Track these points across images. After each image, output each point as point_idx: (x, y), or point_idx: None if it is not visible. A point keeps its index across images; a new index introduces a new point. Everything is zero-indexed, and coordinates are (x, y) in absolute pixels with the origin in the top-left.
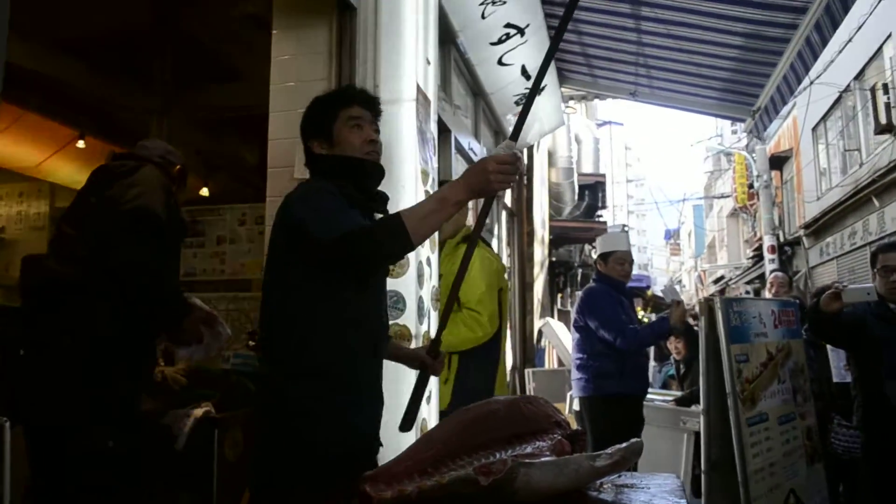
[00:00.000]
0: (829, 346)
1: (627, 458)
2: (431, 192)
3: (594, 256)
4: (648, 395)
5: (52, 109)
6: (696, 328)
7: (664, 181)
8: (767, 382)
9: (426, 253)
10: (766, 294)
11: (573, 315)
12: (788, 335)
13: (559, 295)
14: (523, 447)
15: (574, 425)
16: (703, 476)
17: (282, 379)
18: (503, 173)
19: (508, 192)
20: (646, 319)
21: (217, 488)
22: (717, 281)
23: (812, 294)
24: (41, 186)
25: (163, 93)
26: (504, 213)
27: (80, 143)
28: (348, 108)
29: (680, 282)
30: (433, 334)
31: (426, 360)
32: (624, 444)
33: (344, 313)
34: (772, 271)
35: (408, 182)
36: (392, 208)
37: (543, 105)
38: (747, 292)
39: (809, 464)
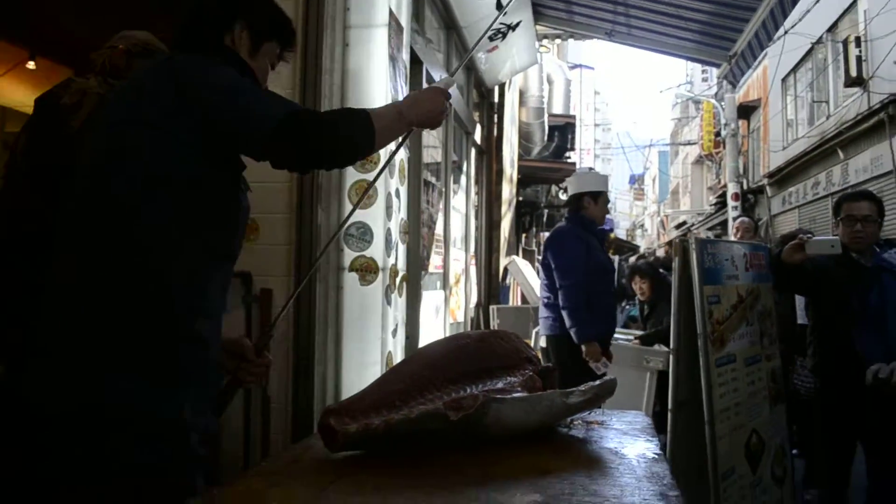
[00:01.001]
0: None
1: (601, 396)
2: None
3: (562, 197)
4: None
5: None
6: (662, 272)
7: (631, 128)
8: (737, 324)
9: (395, 184)
10: (731, 239)
11: (538, 255)
12: (758, 279)
13: (524, 235)
14: (494, 382)
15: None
16: (669, 414)
17: None
18: (444, 111)
19: (479, 130)
20: None
21: None
22: (678, 226)
23: (776, 242)
24: None
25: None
26: (473, 151)
27: (31, 65)
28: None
29: (643, 226)
30: (400, 268)
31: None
32: (597, 382)
33: None
34: (737, 217)
35: (379, 103)
36: None
37: (516, 42)
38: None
39: (772, 405)
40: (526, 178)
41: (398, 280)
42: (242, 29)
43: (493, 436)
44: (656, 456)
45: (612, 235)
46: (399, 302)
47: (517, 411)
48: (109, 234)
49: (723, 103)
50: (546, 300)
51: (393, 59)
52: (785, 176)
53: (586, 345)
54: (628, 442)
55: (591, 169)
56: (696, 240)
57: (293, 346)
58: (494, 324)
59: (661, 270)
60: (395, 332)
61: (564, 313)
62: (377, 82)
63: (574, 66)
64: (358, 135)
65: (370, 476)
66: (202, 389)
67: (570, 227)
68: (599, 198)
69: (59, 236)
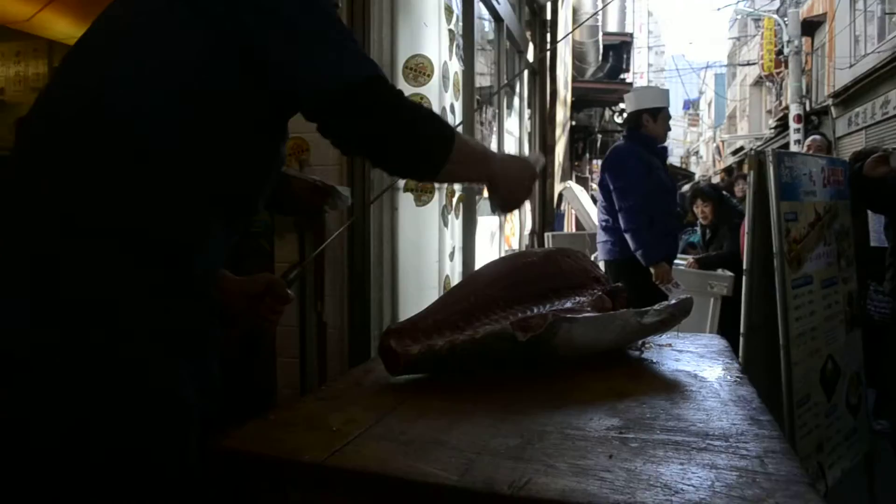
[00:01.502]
0: (868, 210)
1: (676, 316)
2: (455, 31)
3: (616, 121)
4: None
5: None
6: (725, 195)
7: (687, 49)
8: (814, 244)
9: (449, 99)
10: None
11: (597, 177)
12: (837, 196)
13: (577, 162)
14: (562, 302)
15: None
16: (741, 339)
17: None
18: (529, 193)
19: (531, 49)
20: None
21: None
22: (735, 152)
23: (852, 158)
24: (37, 45)
25: None
26: (526, 72)
27: None
28: None
29: (697, 153)
30: (457, 188)
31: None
32: (673, 301)
33: None
34: (809, 134)
35: (430, 18)
36: (411, 47)
37: None
38: None
39: (848, 330)
40: (579, 101)
41: (455, 201)
42: None
43: (563, 357)
44: (739, 378)
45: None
46: (456, 224)
47: (589, 331)
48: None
49: (785, 19)
50: (604, 223)
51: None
52: (852, 95)
53: (654, 267)
54: (706, 365)
55: (649, 83)
56: (774, 152)
57: (347, 269)
58: None
59: (724, 193)
60: (451, 255)
61: (627, 236)
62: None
63: None
64: (435, 144)
65: (435, 400)
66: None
67: (630, 146)
68: (659, 114)
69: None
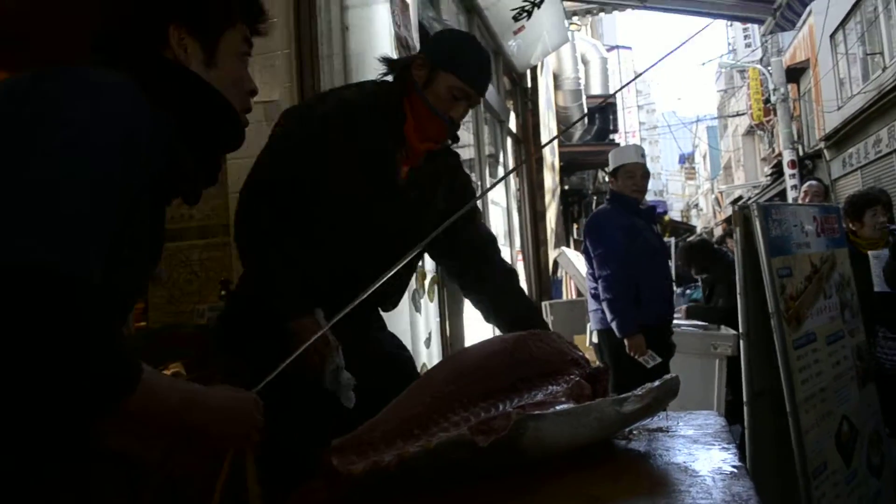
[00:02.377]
0: (870, 254)
1: (661, 399)
2: None
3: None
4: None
5: None
6: (717, 248)
7: (676, 105)
8: (813, 298)
9: None
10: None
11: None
12: (832, 244)
13: (574, 225)
14: (533, 394)
15: (596, 362)
16: (745, 407)
17: None
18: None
19: (513, 117)
20: None
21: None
22: (734, 202)
23: (846, 203)
24: None
25: None
26: (509, 140)
27: None
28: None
29: (697, 205)
30: (428, 269)
31: None
32: (656, 383)
33: None
34: (805, 180)
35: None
36: None
37: (544, 21)
38: None
39: (861, 386)
40: (569, 165)
41: (427, 283)
42: (182, 35)
43: (536, 457)
44: (735, 470)
45: (666, 218)
46: (430, 307)
47: (561, 428)
48: None
49: (769, 68)
50: (593, 291)
51: (400, 39)
52: (843, 137)
53: (628, 338)
54: (700, 453)
55: (642, 141)
56: (759, 206)
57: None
58: (548, 321)
59: (716, 247)
60: (428, 341)
61: (603, 305)
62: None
63: (611, 48)
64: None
65: None
66: None
67: (609, 210)
68: (618, 172)
69: None
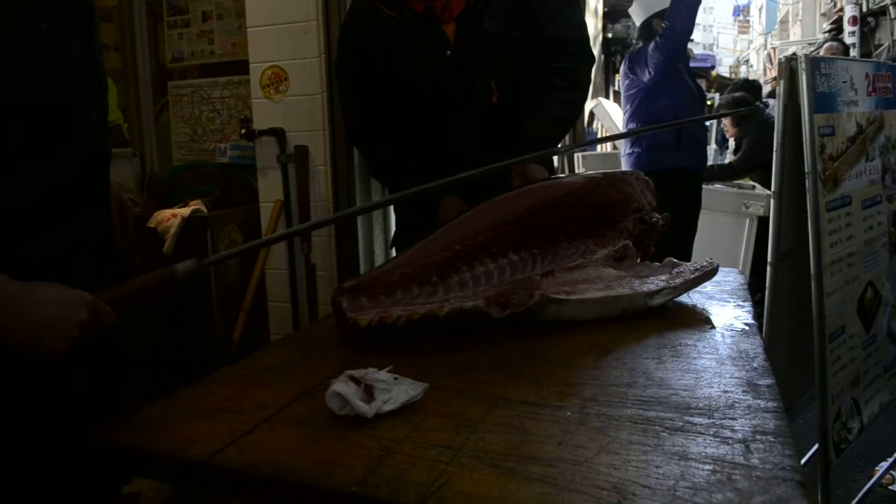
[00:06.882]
0: None
1: (692, 286)
2: None
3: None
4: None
5: None
6: (759, 105)
7: None
8: (854, 160)
9: None
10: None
11: (623, 81)
12: (883, 104)
13: (615, 76)
14: (570, 253)
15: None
16: (769, 268)
17: None
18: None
19: None
20: (709, 102)
21: (216, 305)
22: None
23: None
24: None
25: None
26: None
27: None
28: None
29: (748, 62)
30: None
31: None
32: (691, 270)
33: None
34: (825, 41)
35: None
36: None
37: None
38: None
39: (893, 252)
40: (613, 11)
41: None
42: None
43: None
44: (747, 327)
45: (713, 73)
46: None
47: (582, 313)
48: None
49: None
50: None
51: None
52: None
53: None
54: (715, 308)
55: None
56: (807, 57)
57: (333, 208)
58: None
59: (759, 103)
60: None
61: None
62: None
63: None
64: None
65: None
66: None
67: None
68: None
69: None
